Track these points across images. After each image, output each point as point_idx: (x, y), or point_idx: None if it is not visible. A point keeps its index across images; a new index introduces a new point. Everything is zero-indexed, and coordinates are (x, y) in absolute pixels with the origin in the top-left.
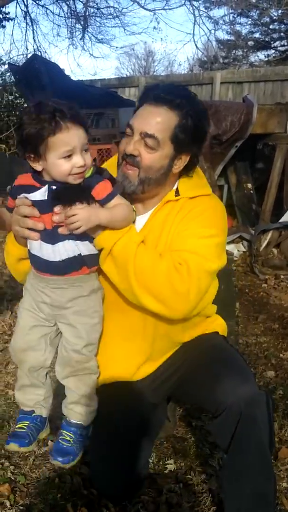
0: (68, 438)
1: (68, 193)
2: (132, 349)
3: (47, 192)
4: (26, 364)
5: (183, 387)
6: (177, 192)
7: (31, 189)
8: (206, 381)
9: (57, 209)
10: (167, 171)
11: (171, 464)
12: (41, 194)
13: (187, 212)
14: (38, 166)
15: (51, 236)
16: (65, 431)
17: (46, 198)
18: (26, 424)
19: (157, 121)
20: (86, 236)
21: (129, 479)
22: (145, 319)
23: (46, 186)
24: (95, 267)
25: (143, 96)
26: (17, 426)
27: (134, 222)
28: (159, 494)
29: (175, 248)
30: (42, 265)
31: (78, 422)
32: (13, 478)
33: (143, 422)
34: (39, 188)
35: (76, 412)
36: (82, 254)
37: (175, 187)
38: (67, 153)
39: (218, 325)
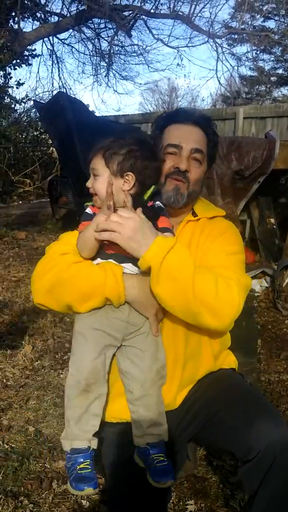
0: (162, 458)
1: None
2: (174, 370)
3: None
4: (97, 388)
5: (208, 429)
6: (194, 213)
7: None
8: (235, 424)
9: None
10: (203, 186)
11: (191, 504)
12: None
13: (210, 231)
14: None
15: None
16: (155, 455)
17: None
18: (88, 463)
19: (197, 138)
20: (129, 257)
21: None
22: (186, 339)
23: None
24: None
25: (171, 117)
26: (78, 468)
27: None
28: None
29: (208, 265)
30: None
31: (158, 442)
32: None
33: None
34: None
35: (158, 433)
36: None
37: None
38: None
39: (233, 361)
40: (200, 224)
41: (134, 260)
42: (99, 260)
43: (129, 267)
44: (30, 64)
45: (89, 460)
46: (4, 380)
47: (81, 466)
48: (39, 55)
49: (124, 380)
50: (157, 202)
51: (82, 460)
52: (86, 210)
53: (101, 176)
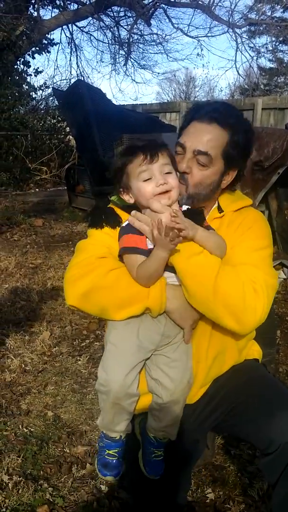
0: (160, 453)
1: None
2: (198, 369)
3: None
4: (127, 399)
5: (230, 420)
6: (219, 209)
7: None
8: (257, 416)
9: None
10: (217, 186)
11: (210, 492)
12: None
13: (238, 225)
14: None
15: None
16: (157, 449)
17: None
18: (117, 451)
19: (209, 138)
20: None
21: (169, 508)
22: (210, 339)
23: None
24: None
25: (191, 113)
26: (107, 453)
27: None
28: None
29: (235, 262)
30: None
31: (164, 440)
32: (51, 500)
33: (185, 456)
34: None
35: (173, 433)
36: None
37: (216, 204)
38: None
39: (256, 351)
40: (225, 220)
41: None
42: None
43: (172, 278)
44: (48, 52)
45: (118, 448)
46: (23, 366)
47: (110, 452)
48: (57, 43)
49: (152, 384)
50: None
51: (113, 446)
52: (124, 224)
53: (173, 172)
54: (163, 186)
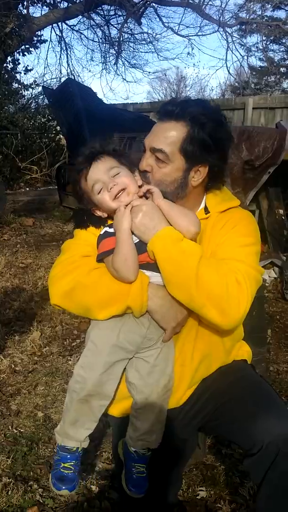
0: (142, 469)
1: None
2: (183, 373)
3: None
4: (98, 400)
5: (215, 420)
6: (206, 210)
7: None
8: (241, 417)
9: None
10: (183, 184)
11: (201, 492)
12: None
13: (223, 224)
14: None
15: None
16: (138, 464)
17: None
18: (73, 464)
19: (165, 135)
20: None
21: (159, 507)
22: (195, 342)
23: None
24: None
25: (157, 115)
26: (62, 466)
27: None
28: None
29: (219, 257)
30: None
31: (146, 454)
32: (41, 501)
33: (173, 455)
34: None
35: (152, 441)
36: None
37: (203, 205)
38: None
39: (246, 351)
40: (211, 221)
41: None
42: None
43: (156, 277)
44: (37, 48)
45: (74, 461)
46: (13, 366)
47: (66, 465)
48: (46, 40)
49: (129, 388)
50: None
51: (68, 459)
52: (102, 232)
53: (122, 171)
54: (115, 187)
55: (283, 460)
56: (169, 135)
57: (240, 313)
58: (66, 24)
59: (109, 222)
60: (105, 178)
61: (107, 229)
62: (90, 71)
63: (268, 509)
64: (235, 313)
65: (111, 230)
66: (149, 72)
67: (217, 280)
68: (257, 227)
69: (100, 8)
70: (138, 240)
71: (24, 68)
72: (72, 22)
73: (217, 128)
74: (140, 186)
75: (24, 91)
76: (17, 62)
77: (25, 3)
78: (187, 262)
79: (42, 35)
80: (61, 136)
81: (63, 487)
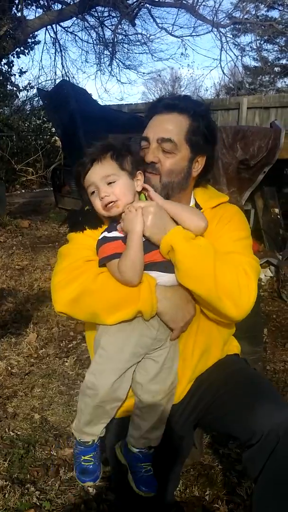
0: (149, 468)
1: None
2: (184, 368)
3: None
4: (111, 403)
5: (212, 414)
6: (197, 206)
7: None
8: (239, 408)
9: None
10: (188, 174)
11: (199, 492)
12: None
13: (218, 221)
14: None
15: None
16: (145, 463)
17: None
18: (92, 456)
19: (170, 125)
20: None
21: (156, 507)
22: (196, 337)
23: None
24: None
25: (151, 109)
26: (83, 459)
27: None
28: None
29: (221, 251)
30: None
31: (150, 452)
32: (38, 504)
33: (170, 453)
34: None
35: (154, 438)
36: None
37: (193, 202)
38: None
39: (235, 346)
40: (204, 215)
41: (168, 269)
42: None
43: (162, 277)
44: (32, 49)
45: (93, 453)
46: (9, 368)
47: (86, 458)
48: (39, 41)
49: (134, 388)
50: None
51: (87, 452)
52: (100, 237)
53: (118, 180)
54: (106, 198)
55: (283, 447)
56: (174, 126)
57: (250, 303)
58: (60, 26)
59: (105, 225)
60: (100, 184)
61: (105, 234)
62: (84, 72)
63: (267, 497)
64: (246, 303)
65: (110, 235)
66: (144, 73)
67: (231, 273)
68: (247, 220)
69: (94, 9)
70: (144, 240)
71: (18, 70)
72: (66, 24)
73: (211, 122)
74: (142, 189)
75: (19, 93)
76: (11, 64)
77: (19, 5)
78: (206, 256)
79: (37, 36)
80: (56, 138)
81: (87, 480)
